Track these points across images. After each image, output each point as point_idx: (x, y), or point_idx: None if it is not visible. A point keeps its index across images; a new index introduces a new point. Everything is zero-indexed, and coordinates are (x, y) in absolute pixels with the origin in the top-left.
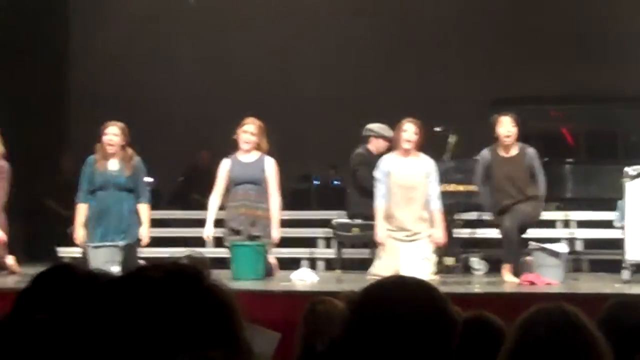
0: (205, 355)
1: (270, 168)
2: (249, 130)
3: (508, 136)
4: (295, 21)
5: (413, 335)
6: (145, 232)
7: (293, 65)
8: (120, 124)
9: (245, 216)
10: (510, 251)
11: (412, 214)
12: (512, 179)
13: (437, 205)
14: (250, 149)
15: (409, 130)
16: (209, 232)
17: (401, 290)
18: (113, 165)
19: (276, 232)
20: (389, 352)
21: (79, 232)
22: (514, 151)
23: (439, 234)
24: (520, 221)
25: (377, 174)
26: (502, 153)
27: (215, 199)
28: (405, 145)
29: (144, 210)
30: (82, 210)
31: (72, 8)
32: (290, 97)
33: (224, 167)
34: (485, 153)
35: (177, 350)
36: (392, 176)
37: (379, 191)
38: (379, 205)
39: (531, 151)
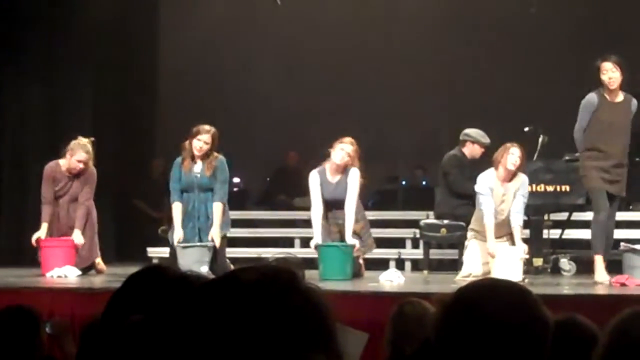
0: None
1: (353, 180)
2: (345, 150)
3: (611, 82)
4: (383, 22)
5: (506, 338)
6: (215, 232)
7: (380, 65)
8: (212, 131)
9: (340, 234)
10: (610, 244)
11: (500, 232)
12: (617, 126)
13: (518, 221)
14: (341, 168)
15: (515, 154)
16: (317, 241)
17: (495, 293)
18: (197, 167)
19: (350, 239)
20: (481, 356)
21: (179, 232)
22: (620, 97)
23: (521, 249)
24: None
25: (481, 189)
26: (608, 97)
27: (317, 212)
28: (510, 167)
29: (217, 209)
30: (178, 209)
31: (161, 12)
32: (377, 98)
33: (316, 183)
34: (592, 97)
35: (274, 355)
36: (491, 197)
37: (487, 207)
38: (489, 221)
39: (635, 102)
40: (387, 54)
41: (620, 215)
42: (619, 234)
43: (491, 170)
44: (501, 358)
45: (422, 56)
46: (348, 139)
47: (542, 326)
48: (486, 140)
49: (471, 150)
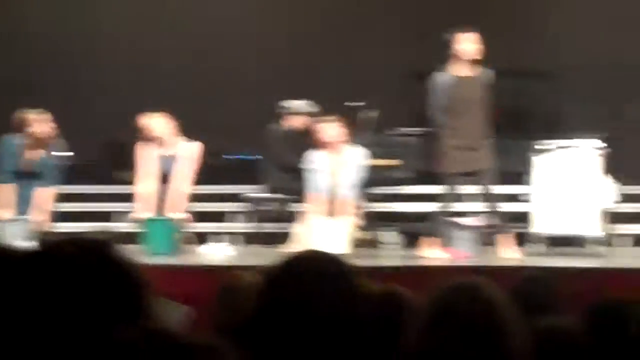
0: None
1: (187, 153)
2: (165, 121)
3: (469, 53)
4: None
5: (324, 308)
6: (40, 216)
7: (208, 40)
8: (49, 115)
9: (164, 208)
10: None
11: (332, 207)
12: (472, 100)
13: (348, 195)
14: (167, 141)
15: (331, 127)
16: (141, 215)
17: (314, 265)
18: (37, 153)
19: (176, 213)
20: (301, 326)
21: (8, 213)
22: (473, 71)
23: (348, 222)
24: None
25: (312, 165)
26: (460, 73)
27: (144, 185)
28: (329, 140)
29: (43, 195)
30: (9, 190)
31: None
32: (206, 72)
33: (144, 156)
34: (441, 74)
35: (87, 324)
36: (321, 172)
37: (317, 182)
38: (318, 196)
39: (490, 74)
40: (208, 29)
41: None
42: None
43: (320, 146)
44: (320, 327)
45: (247, 30)
46: (157, 114)
47: (360, 296)
48: (307, 109)
49: (292, 122)
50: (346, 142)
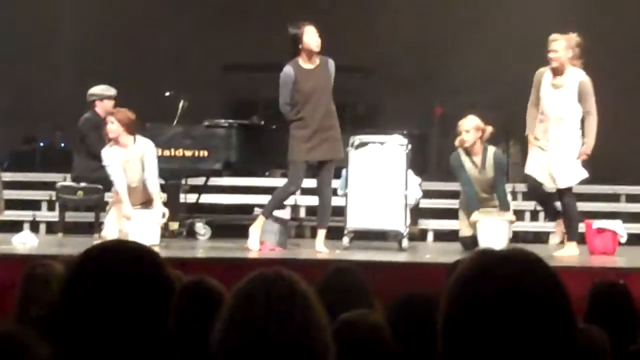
0: None
1: None
2: None
3: (317, 45)
4: None
5: (131, 298)
6: None
7: (29, 24)
8: None
9: None
10: (328, 212)
11: (136, 198)
12: (318, 91)
13: (154, 186)
14: None
15: (111, 123)
16: None
17: (120, 254)
18: None
19: None
20: (105, 316)
21: None
22: (316, 61)
23: (159, 212)
24: None
25: (105, 161)
26: (306, 65)
27: None
28: (112, 135)
29: None
30: None
31: None
32: (17, 58)
33: None
34: (288, 69)
35: None
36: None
37: (114, 176)
38: (119, 188)
39: (332, 62)
40: (29, 12)
41: (256, 182)
42: (255, 199)
43: (109, 141)
44: (125, 317)
45: (62, 15)
46: None
47: (166, 286)
48: (111, 92)
49: (103, 108)
50: (134, 134)
